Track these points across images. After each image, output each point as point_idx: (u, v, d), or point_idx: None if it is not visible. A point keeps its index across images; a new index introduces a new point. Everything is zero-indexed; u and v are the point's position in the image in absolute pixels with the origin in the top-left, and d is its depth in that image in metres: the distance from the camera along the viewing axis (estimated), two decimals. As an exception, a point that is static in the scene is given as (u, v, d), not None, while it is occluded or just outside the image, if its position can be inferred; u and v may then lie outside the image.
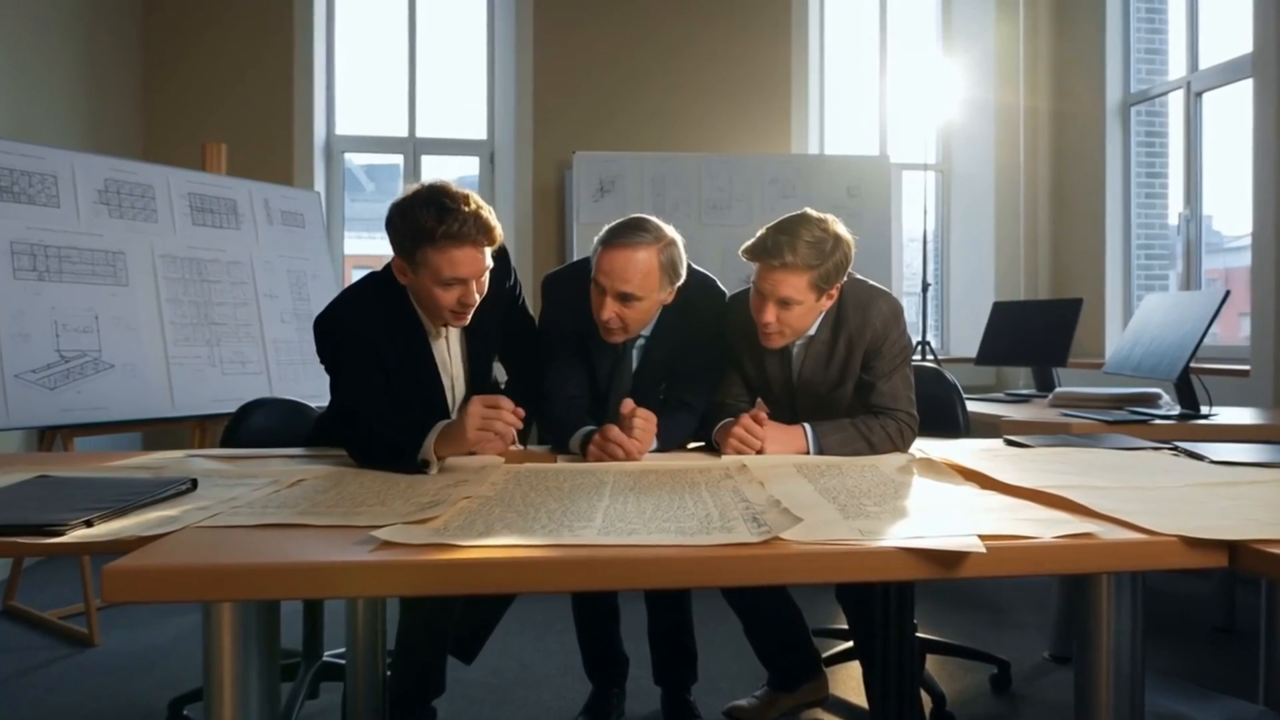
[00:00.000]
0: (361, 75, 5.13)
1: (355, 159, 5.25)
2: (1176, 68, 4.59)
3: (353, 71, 5.08)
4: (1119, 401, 2.93)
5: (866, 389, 1.88)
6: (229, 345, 3.31)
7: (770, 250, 1.74)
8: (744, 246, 1.81)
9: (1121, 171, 4.78)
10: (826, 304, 1.84)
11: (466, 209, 1.63)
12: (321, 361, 1.80)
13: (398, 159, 5.15)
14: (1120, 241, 4.79)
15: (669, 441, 1.85)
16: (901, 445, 1.84)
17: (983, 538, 1.02)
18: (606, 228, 1.86)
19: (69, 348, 2.87)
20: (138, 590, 0.89)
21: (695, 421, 1.95)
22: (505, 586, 0.94)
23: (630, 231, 1.81)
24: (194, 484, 1.34)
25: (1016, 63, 5.26)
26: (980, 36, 5.35)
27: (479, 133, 5.14)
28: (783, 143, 5.13)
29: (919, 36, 5.54)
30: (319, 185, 4.73)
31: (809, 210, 1.79)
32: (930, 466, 1.58)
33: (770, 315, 1.78)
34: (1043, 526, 1.08)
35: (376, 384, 1.75)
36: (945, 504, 1.26)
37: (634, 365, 2.02)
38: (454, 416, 1.91)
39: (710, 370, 1.99)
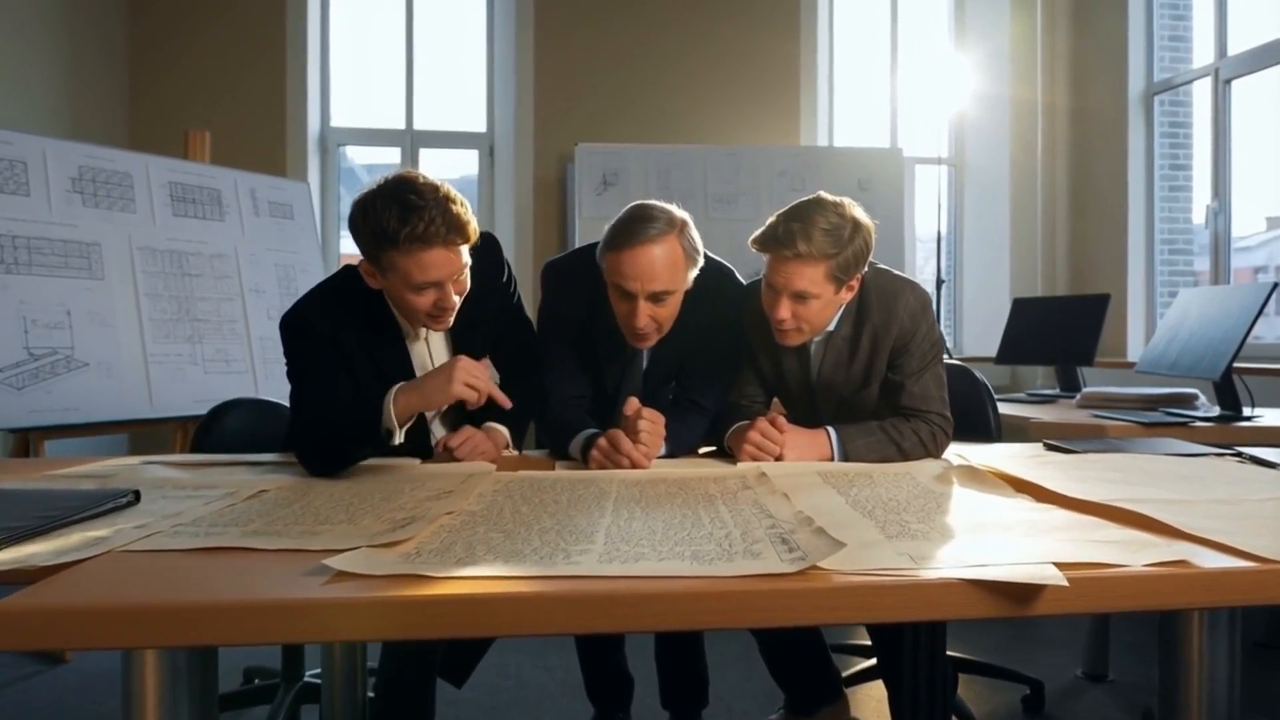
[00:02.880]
0: (357, 66, 4.97)
1: (356, 157, 5.08)
2: (1202, 55, 4.41)
3: (348, 62, 4.92)
4: (1152, 402, 2.76)
5: (894, 389, 1.70)
6: (212, 342, 3.15)
7: (782, 239, 1.56)
8: (753, 236, 1.63)
9: (1144, 164, 4.60)
10: (846, 296, 1.66)
11: (434, 206, 1.44)
12: (287, 364, 1.63)
13: (401, 158, 4.97)
14: (1143, 236, 4.61)
15: (679, 447, 1.68)
16: (935, 450, 1.66)
17: (1058, 565, 0.85)
18: (610, 227, 1.68)
19: (39, 345, 2.70)
20: (28, 635, 0.72)
21: (707, 424, 1.77)
22: (485, 629, 0.77)
23: (642, 225, 1.63)
24: (136, 496, 1.17)
25: (1034, 56, 5.09)
26: (995, 30, 5.18)
27: (478, 125, 4.98)
28: (791, 134, 4.96)
29: (931, 28, 5.37)
30: (313, 179, 4.57)
31: (823, 194, 1.61)
32: (973, 475, 1.40)
33: (785, 311, 1.60)
34: (1127, 551, 0.91)
35: (337, 389, 1.58)
36: (1001, 522, 1.08)
37: (645, 363, 1.84)
38: (437, 425, 1.75)
39: (724, 367, 1.82)
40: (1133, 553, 0.91)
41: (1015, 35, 5.11)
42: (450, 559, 0.88)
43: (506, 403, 1.53)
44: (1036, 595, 0.83)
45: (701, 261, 1.72)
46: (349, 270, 1.66)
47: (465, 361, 1.47)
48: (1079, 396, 3.03)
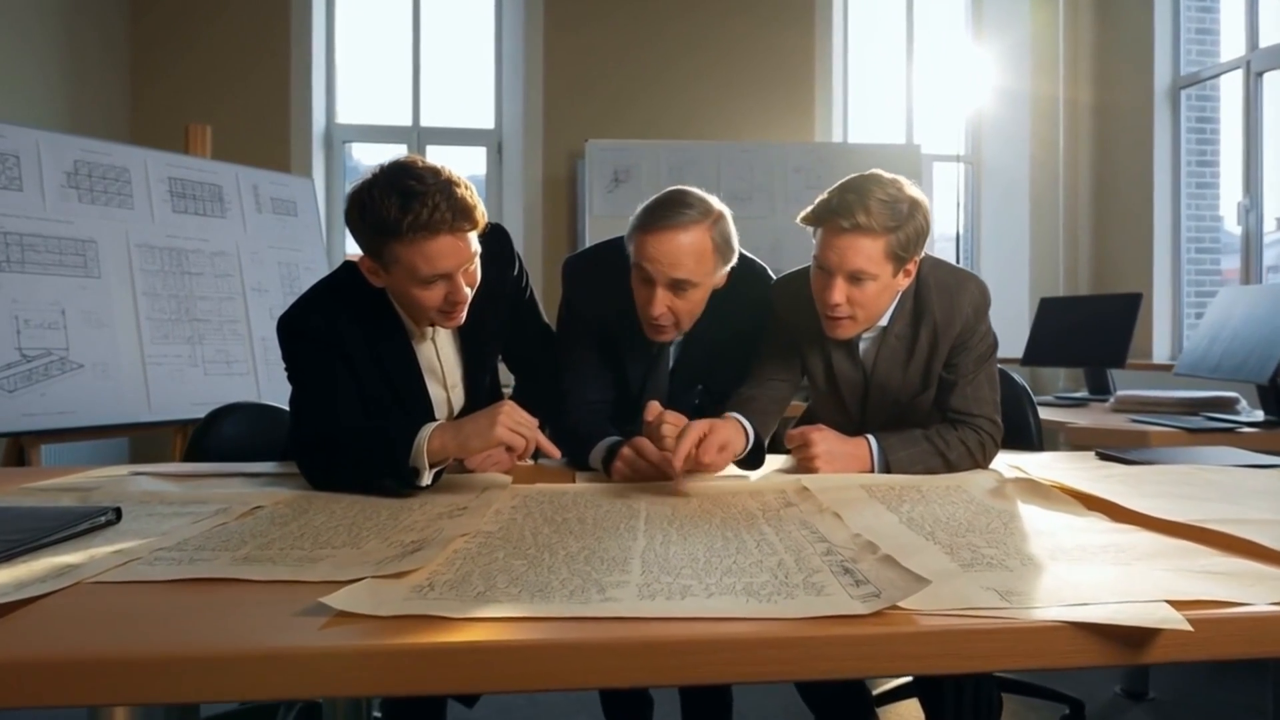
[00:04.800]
0: (363, 61, 4.86)
1: (362, 156, 4.97)
2: (1230, 48, 4.28)
3: (354, 57, 4.81)
4: (1192, 406, 2.65)
5: (944, 390, 1.57)
6: (212, 343, 3.03)
7: (838, 209, 1.43)
8: (803, 213, 1.50)
9: (1170, 160, 4.47)
10: (903, 283, 1.52)
11: (437, 190, 1.31)
12: (286, 369, 1.52)
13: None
14: (1169, 234, 4.48)
15: None
16: (983, 461, 1.54)
17: (1171, 603, 0.74)
18: (642, 207, 1.57)
19: (32, 345, 2.59)
20: (-28, 694, 0.61)
21: None
22: (513, 683, 0.65)
23: (673, 209, 1.52)
24: (117, 514, 1.05)
25: (1055, 50, 4.95)
26: (1014, 22, 5.05)
27: (486, 122, 4.87)
28: (805, 130, 4.84)
29: (948, 21, 5.23)
30: (318, 177, 4.46)
31: (878, 170, 1.50)
32: (1035, 490, 1.28)
33: (839, 294, 1.45)
34: (1241, 585, 0.80)
35: (344, 393, 1.46)
36: (1083, 546, 0.96)
37: (670, 363, 1.73)
38: None
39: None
40: (1247, 586, 0.80)
41: (1036, 28, 4.98)
42: (468, 594, 0.77)
43: (556, 453, 1.40)
44: (1151, 640, 0.71)
45: (735, 259, 1.60)
46: (350, 267, 1.54)
47: (511, 406, 1.33)
48: (1113, 399, 2.92)
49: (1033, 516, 1.13)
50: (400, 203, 1.30)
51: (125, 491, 1.26)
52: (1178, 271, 4.48)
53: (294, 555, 0.91)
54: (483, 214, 1.39)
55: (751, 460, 1.55)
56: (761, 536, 1.00)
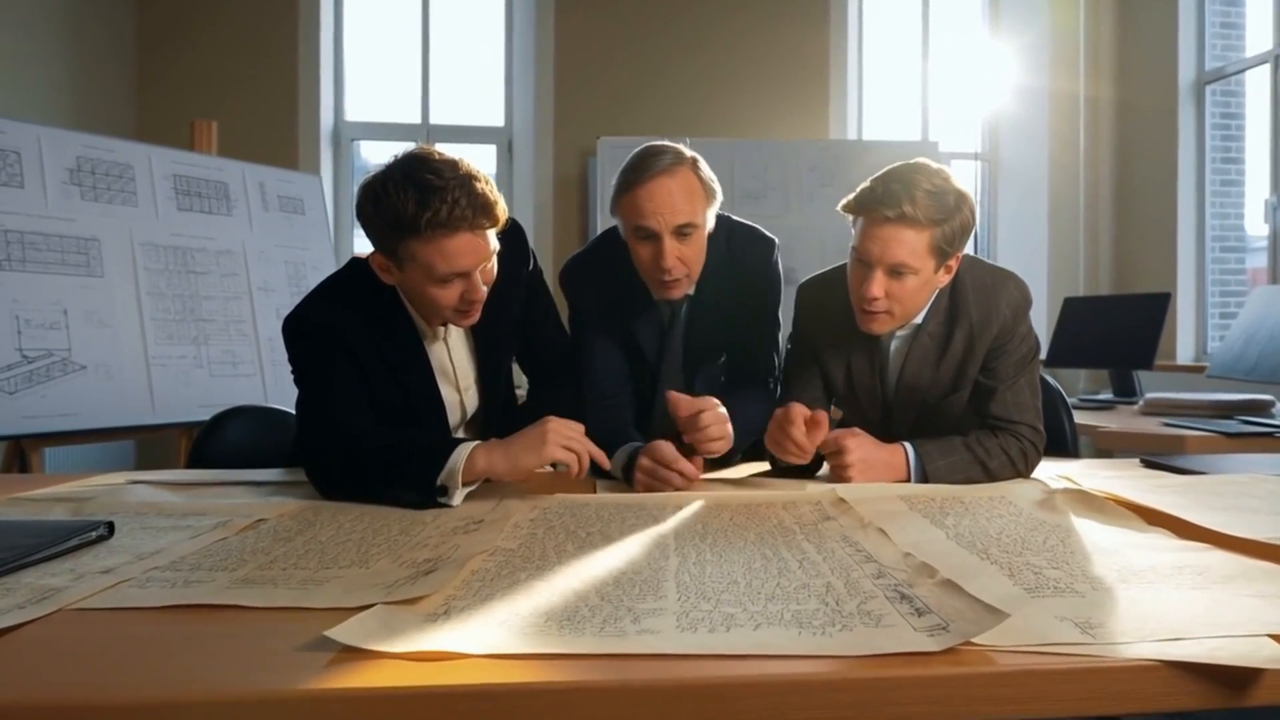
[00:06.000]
0: (372, 58, 4.80)
1: (372, 153, 4.90)
2: (1256, 42, 4.19)
3: (363, 54, 4.75)
4: (1225, 409, 2.56)
5: (983, 395, 1.49)
6: (218, 344, 2.97)
7: (882, 198, 1.36)
8: (844, 201, 1.44)
9: (1195, 157, 4.37)
10: (943, 280, 1.45)
11: (456, 186, 1.24)
12: (293, 371, 1.45)
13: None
14: (1193, 232, 4.39)
15: (747, 433, 1.51)
16: (1024, 470, 1.46)
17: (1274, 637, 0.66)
18: (619, 173, 1.58)
19: (33, 346, 2.53)
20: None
21: (770, 397, 1.64)
22: (540, 731, 0.58)
23: (653, 159, 1.53)
24: (110, 529, 0.98)
25: (1076, 46, 4.86)
26: (1034, 17, 4.96)
27: (496, 119, 4.80)
28: (820, 128, 4.75)
29: (965, 16, 5.14)
30: (325, 174, 4.40)
31: (924, 159, 1.42)
32: (1087, 502, 1.20)
33: (877, 287, 1.38)
34: (1347, 615, 0.72)
35: (353, 396, 1.40)
36: (1154, 567, 0.88)
37: (682, 326, 1.70)
38: (461, 435, 1.57)
39: (770, 325, 1.72)
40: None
41: (1055, 23, 4.88)
42: (490, 623, 0.69)
43: (607, 463, 1.33)
44: (1254, 681, 0.63)
45: (719, 200, 1.60)
46: (357, 264, 1.47)
47: (558, 421, 1.28)
48: (1142, 402, 2.83)
49: (1090, 532, 1.05)
50: (418, 198, 1.23)
51: (121, 502, 1.19)
52: (1202, 271, 4.39)
53: (298, 576, 0.84)
54: (503, 210, 1.33)
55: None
56: (803, 555, 0.93)
